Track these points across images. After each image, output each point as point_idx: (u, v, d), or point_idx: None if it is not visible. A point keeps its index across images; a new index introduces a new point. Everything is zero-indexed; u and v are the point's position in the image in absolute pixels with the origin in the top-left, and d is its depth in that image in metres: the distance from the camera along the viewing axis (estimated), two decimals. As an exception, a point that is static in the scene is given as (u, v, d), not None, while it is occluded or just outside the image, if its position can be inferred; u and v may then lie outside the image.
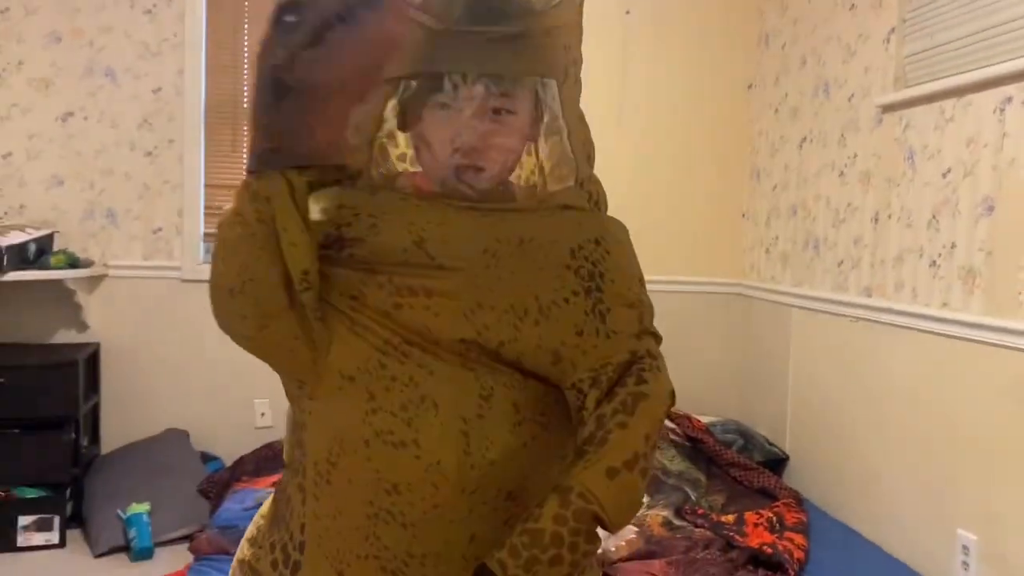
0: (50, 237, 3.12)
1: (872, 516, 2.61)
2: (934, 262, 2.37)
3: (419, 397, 0.92)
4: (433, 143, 0.98)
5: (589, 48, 1.04)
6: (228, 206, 0.89)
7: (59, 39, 3.24)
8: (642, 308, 1.01)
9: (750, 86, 3.63)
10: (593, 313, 0.96)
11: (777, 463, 3.19)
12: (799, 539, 2.48)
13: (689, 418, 3.21)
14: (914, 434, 2.43)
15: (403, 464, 0.91)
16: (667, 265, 3.47)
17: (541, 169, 1.07)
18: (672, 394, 0.98)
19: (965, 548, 2.18)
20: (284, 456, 1.04)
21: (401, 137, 1.05)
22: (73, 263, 3.09)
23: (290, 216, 0.87)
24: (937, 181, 2.38)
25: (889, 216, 2.61)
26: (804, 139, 3.17)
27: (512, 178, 1.04)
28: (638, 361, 0.96)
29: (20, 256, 2.91)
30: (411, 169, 1.05)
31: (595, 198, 1.06)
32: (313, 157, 0.88)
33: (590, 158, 1.06)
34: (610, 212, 1.08)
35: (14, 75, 3.23)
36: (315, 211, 0.92)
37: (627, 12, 3.46)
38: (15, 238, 2.91)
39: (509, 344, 0.92)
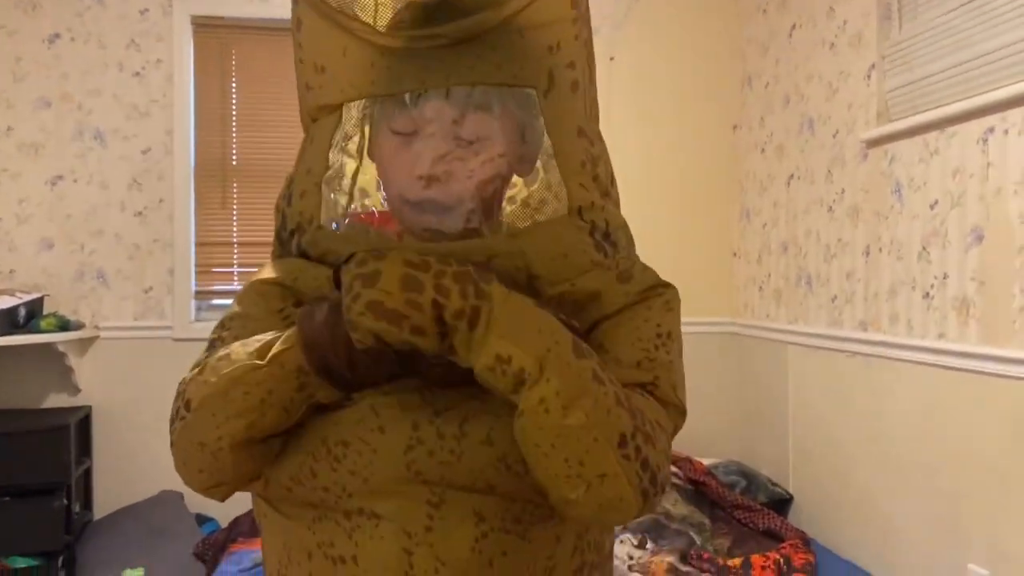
0: (40, 301, 3.10)
1: (881, 554, 2.57)
2: (927, 294, 2.37)
3: (357, 507, 0.76)
4: (389, 175, 0.83)
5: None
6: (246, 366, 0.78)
7: (49, 104, 3.27)
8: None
9: (735, 127, 3.66)
10: None
11: (782, 503, 3.14)
12: (807, 581, 2.44)
13: (690, 460, 3.17)
14: (919, 468, 2.39)
15: None
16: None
17: (524, 200, 0.90)
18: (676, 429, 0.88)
19: (977, 584, 2.14)
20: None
21: (348, 173, 0.90)
22: (63, 326, 3.06)
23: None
24: (925, 213, 2.39)
25: (880, 249, 2.61)
26: (792, 176, 3.19)
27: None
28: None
29: (10, 320, 2.89)
30: (366, 208, 0.92)
31: (602, 229, 0.84)
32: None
33: (597, 180, 0.84)
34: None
35: (3, 140, 3.24)
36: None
37: (611, 59, 3.50)
38: (4, 303, 2.89)
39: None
